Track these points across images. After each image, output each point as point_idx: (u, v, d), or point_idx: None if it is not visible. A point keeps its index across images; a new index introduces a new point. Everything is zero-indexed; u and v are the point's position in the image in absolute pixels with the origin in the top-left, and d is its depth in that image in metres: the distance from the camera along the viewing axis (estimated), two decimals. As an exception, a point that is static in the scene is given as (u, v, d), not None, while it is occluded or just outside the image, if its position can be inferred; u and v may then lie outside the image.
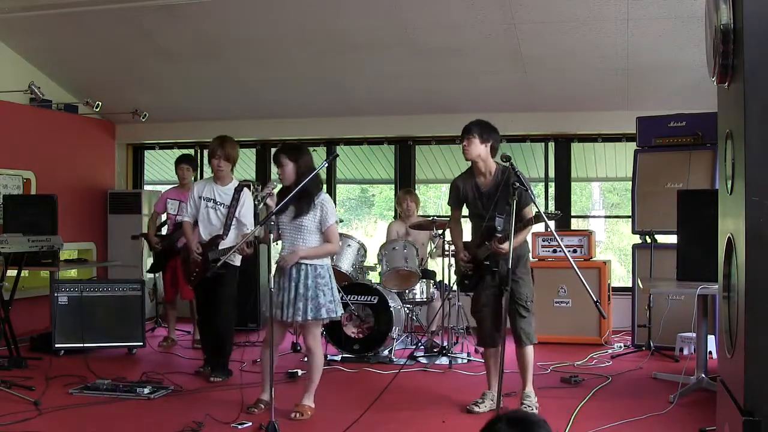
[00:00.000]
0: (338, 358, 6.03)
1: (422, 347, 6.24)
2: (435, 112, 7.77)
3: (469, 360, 6.00)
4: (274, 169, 8.57)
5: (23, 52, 7.51)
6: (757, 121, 2.34)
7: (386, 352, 6.05)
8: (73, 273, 7.59)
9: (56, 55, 7.53)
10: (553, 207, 7.71)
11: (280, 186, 4.52)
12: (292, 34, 6.73)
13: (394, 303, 6.07)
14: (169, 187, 7.33)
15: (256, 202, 5.47)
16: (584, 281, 3.91)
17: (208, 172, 6.43)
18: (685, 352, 6.08)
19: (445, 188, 9.25)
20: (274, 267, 4.38)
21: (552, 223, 4.28)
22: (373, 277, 6.66)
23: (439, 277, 6.74)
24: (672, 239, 5.99)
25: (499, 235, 4.32)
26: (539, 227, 5.29)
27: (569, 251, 6.67)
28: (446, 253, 6.15)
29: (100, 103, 7.30)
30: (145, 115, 7.75)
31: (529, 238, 4.74)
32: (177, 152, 8.87)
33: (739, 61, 2.46)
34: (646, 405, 4.56)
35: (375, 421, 4.23)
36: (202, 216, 5.33)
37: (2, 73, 7.25)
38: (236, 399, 4.61)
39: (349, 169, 9.32)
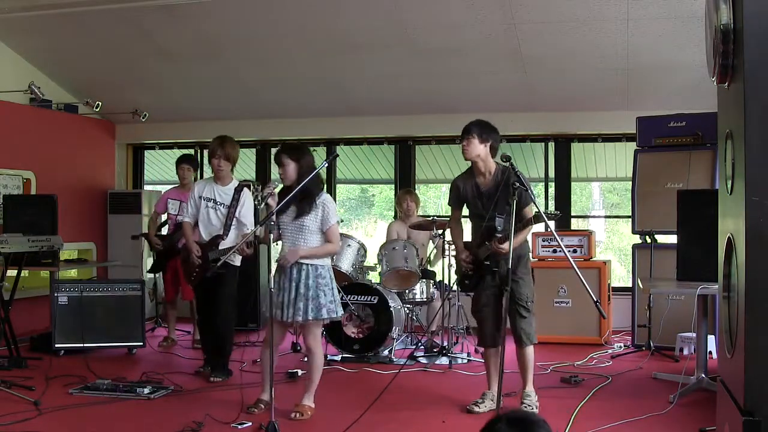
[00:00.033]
0: (338, 358, 6.03)
1: (422, 347, 6.24)
2: (435, 112, 7.77)
3: (469, 360, 6.00)
4: (274, 169, 8.66)
5: (23, 52, 7.51)
6: (757, 121, 2.34)
7: (386, 352, 6.05)
8: (73, 273, 7.59)
9: (56, 55, 7.53)
10: (553, 207, 7.71)
11: (281, 186, 4.52)
12: (292, 34, 6.73)
13: (394, 303, 6.07)
14: (169, 187, 7.33)
15: (256, 203, 5.48)
16: (584, 281, 3.91)
17: (208, 172, 6.44)
18: (685, 352, 6.08)
19: (445, 188, 9.25)
20: (274, 267, 4.38)
21: (552, 223, 4.28)
22: (373, 277, 6.66)
23: (439, 277, 6.74)
24: (672, 239, 5.99)
25: (499, 235, 4.32)
26: (539, 227, 5.29)
27: (569, 251, 6.68)
28: (446, 253, 6.15)
29: (100, 103, 7.30)
30: (145, 115, 7.75)
31: (529, 238, 4.74)
32: (177, 152, 8.87)
33: (739, 61, 2.46)
34: (646, 405, 4.56)
35: (375, 421, 4.23)
36: (202, 216, 5.33)
37: (2, 73, 7.25)
38: (236, 399, 4.61)
39: (349, 169, 9.33)
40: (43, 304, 6.65)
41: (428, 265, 6.69)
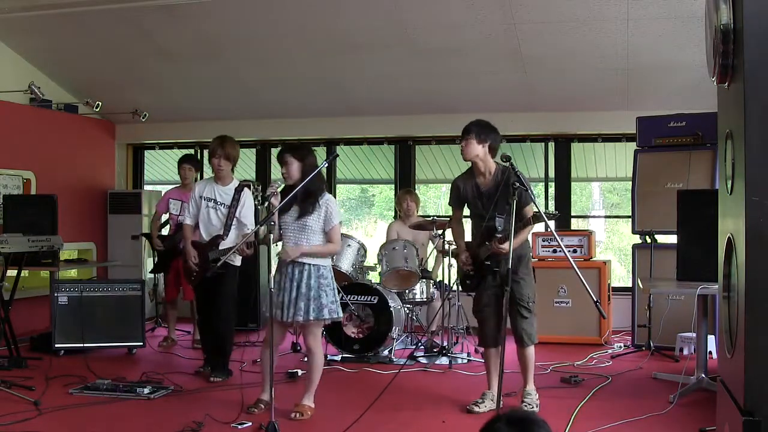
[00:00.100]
0: (338, 358, 6.03)
1: (422, 347, 6.24)
2: (435, 112, 7.77)
3: (469, 360, 6.00)
4: (274, 170, 8.69)
5: (23, 52, 7.51)
6: (757, 121, 2.34)
7: (386, 352, 6.05)
8: (73, 273, 7.59)
9: (56, 55, 7.53)
10: (553, 207, 7.71)
11: (283, 185, 4.51)
12: (292, 34, 6.73)
13: (394, 303, 6.07)
14: (169, 187, 7.33)
15: (256, 202, 5.48)
16: (584, 281, 3.91)
17: (208, 172, 6.44)
18: (685, 352, 6.08)
19: (445, 188, 9.26)
20: (274, 267, 4.38)
21: (552, 223, 4.29)
22: (373, 277, 6.66)
23: (439, 278, 6.74)
24: (672, 239, 5.99)
25: (499, 235, 4.32)
26: (539, 227, 5.29)
27: (569, 251, 6.68)
28: (445, 255, 6.15)
29: (100, 103, 7.30)
30: (145, 115, 7.75)
31: (529, 238, 4.74)
32: (177, 152, 8.88)
33: (739, 61, 2.46)
34: (646, 405, 4.56)
35: (375, 421, 4.23)
36: (203, 216, 5.33)
37: (2, 73, 7.25)
38: (236, 399, 4.61)
39: (349, 169, 9.33)
40: (43, 304, 6.65)
41: (427, 268, 6.70)
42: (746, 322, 2.35)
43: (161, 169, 9.60)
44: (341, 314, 4.59)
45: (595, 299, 3.90)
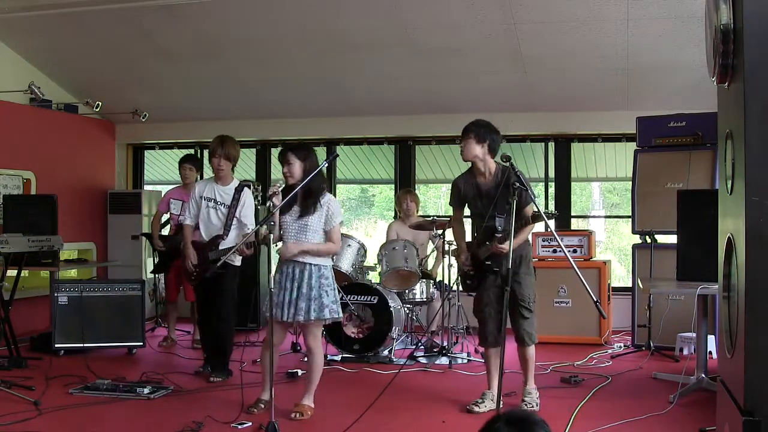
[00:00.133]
0: (338, 358, 6.03)
1: (422, 347, 6.24)
2: (435, 112, 7.77)
3: (469, 360, 6.00)
4: (274, 170, 8.69)
5: (23, 52, 7.51)
6: (757, 121, 2.34)
7: (386, 352, 6.06)
8: (73, 273, 7.59)
9: (56, 55, 7.53)
10: (553, 207, 7.71)
11: (283, 185, 4.51)
12: (292, 34, 6.73)
13: (394, 303, 6.07)
14: (169, 187, 7.33)
15: (256, 202, 5.47)
16: (584, 281, 3.91)
17: (209, 172, 6.44)
18: (685, 352, 6.08)
19: (445, 188, 9.26)
20: (274, 267, 4.38)
21: (552, 223, 4.30)
22: (373, 277, 6.66)
23: (438, 277, 6.74)
24: (672, 239, 5.99)
25: (499, 235, 4.32)
26: (539, 227, 5.29)
27: (569, 251, 6.67)
28: (446, 253, 6.15)
29: (100, 103, 7.30)
30: (145, 115, 7.75)
31: (529, 238, 4.74)
32: (177, 152, 8.88)
33: (739, 61, 2.46)
34: (646, 405, 4.56)
35: (375, 421, 4.23)
36: (203, 216, 5.33)
37: (2, 73, 7.25)
38: (236, 399, 4.61)
39: (349, 169, 9.32)
40: (43, 304, 6.65)
41: (427, 268, 6.70)
42: (746, 322, 2.35)
43: (161, 169, 9.59)
44: (341, 314, 4.59)
45: (595, 299, 3.90)
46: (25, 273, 6.09)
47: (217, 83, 7.71)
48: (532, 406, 4.48)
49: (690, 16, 5.70)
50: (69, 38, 7.15)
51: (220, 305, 5.32)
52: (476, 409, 4.49)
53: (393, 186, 8.60)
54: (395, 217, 7.73)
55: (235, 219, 5.26)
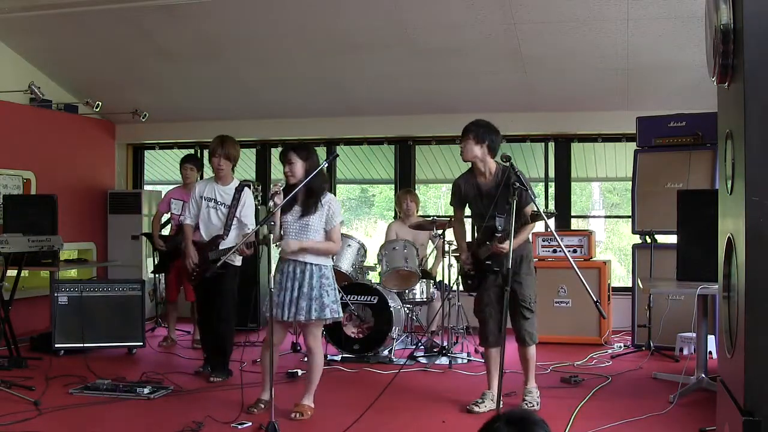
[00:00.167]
0: (338, 358, 6.03)
1: (422, 347, 6.24)
2: (435, 112, 7.77)
3: (469, 360, 6.00)
4: (274, 170, 8.69)
5: (23, 52, 7.51)
6: (757, 121, 2.34)
7: (386, 352, 6.06)
8: (73, 273, 7.59)
9: (56, 55, 7.53)
10: (553, 207, 7.70)
11: (284, 184, 4.51)
12: (292, 34, 6.73)
13: (394, 303, 6.07)
14: (169, 187, 7.33)
15: (257, 202, 5.47)
16: (584, 281, 3.91)
17: (209, 172, 6.44)
18: (685, 352, 6.08)
19: (445, 188, 9.27)
20: (274, 267, 4.38)
21: (552, 223, 4.30)
22: (373, 277, 6.66)
23: (439, 277, 6.74)
24: (672, 239, 5.99)
25: (499, 235, 4.32)
26: (540, 227, 5.29)
27: (569, 251, 6.67)
28: (446, 253, 6.16)
29: (100, 103, 7.30)
30: (145, 115, 7.75)
31: (529, 238, 4.74)
32: (177, 152, 8.89)
33: (739, 61, 2.46)
34: (646, 405, 4.56)
35: (375, 421, 4.23)
36: (203, 216, 5.33)
37: (2, 73, 7.25)
38: (236, 399, 4.61)
39: (349, 169, 9.32)
40: (43, 304, 6.65)
41: (427, 267, 6.69)
42: (746, 322, 2.35)
43: (161, 169, 9.59)
44: (342, 314, 4.59)
45: (595, 299, 3.90)
46: (25, 273, 6.09)
47: (217, 83, 7.71)
48: (533, 405, 4.49)
49: (690, 16, 5.70)
50: (69, 38, 7.15)
51: (220, 305, 5.32)
52: (476, 409, 4.49)
53: (393, 186, 8.60)
54: (395, 217, 7.73)
55: (235, 219, 5.26)
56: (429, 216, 7.35)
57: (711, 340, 5.38)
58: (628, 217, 7.09)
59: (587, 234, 6.89)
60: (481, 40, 6.46)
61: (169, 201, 6.72)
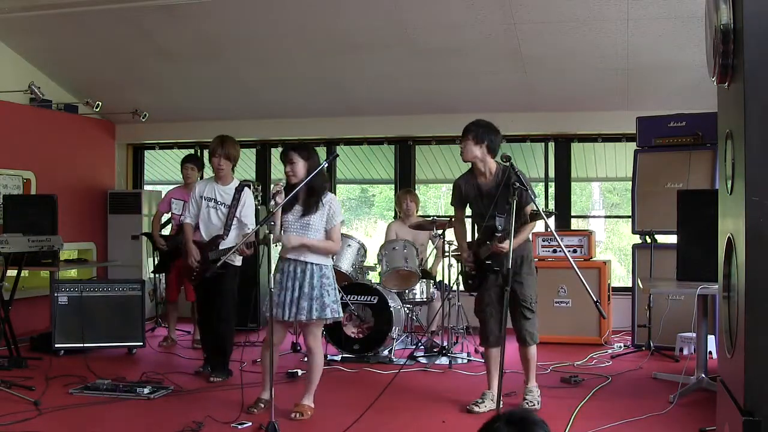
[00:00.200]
0: (338, 358, 6.03)
1: (422, 347, 6.24)
2: (435, 112, 7.77)
3: (469, 360, 6.00)
4: (274, 170, 8.69)
5: (23, 52, 7.51)
6: (757, 121, 2.34)
7: (386, 352, 6.05)
8: (73, 273, 7.59)
9: (56, 55, 7.53)
10: (553, 207, 7.71)
11: (285, 184, 4.51)
12: (292, 34, 6.73)
13: (394, 303, 6.07)
14: (169, 187, 7.33)
15: (257, 202, 5.47)
16: (584, 281, 3.91)
17: (210, 172, 6.44)
18: (685, 352, 6.08)
19: (445, 188, 9.27)
20: (274, 266, 4.38)
21: (552, 223, 4.30)
22: (373, 277, 6.66)
23: (438, 277, 6.74)
24: (672, 239, 5.99)
25: (499, 235, 4.32)
26: (540, 227, 5.29)
27: (569, 251, 6.67)
28: (446, 253, 6.16)
29: (100, 103, 7.30)
30: (145, 115, 7.75)
31: (529, 238, 4.74)
32: (177, 152, 8.88)
33: (739, 61, 2.46)
34: (646, 405, 4.56)
35: (375, 421, 4.23)
36: (203, 216, 5.33)
37: (2, 73, 7.25)
38: (236, 399, 4.61)
39: (349, 169, 9.33)
40: (43, 304, 6.65)
41: (426, 267, 6.69)
42: (746, 322, 2.35)
43: (161, 169, 9.59)
44: (342, 314, 4.60)
45: (595, 299, 3.90)
46: (25, 273, 6.09)
47: (217, 83, 7.71)
48: (534, 405, 4.49)
49: (690, 16, 5.70)
50: (69, 38, 7.15)
51: (220, 305, 5.32)
52: (476, 409, 4.49)
53: (393, 186, 8.60)
54: (395, 217, 7.73)
55: (235, 219, 5.26)
56: (429, 216, 7.34)
57: (711, 340, 5.38)
58: (628, 217, 7.09)
59: (587, 234, 6.89)
60: (481, 40, 6.46)
61: (169, 201, 6.72)
